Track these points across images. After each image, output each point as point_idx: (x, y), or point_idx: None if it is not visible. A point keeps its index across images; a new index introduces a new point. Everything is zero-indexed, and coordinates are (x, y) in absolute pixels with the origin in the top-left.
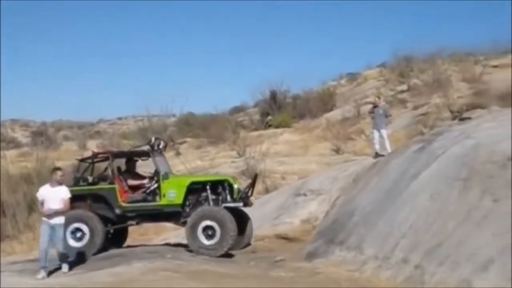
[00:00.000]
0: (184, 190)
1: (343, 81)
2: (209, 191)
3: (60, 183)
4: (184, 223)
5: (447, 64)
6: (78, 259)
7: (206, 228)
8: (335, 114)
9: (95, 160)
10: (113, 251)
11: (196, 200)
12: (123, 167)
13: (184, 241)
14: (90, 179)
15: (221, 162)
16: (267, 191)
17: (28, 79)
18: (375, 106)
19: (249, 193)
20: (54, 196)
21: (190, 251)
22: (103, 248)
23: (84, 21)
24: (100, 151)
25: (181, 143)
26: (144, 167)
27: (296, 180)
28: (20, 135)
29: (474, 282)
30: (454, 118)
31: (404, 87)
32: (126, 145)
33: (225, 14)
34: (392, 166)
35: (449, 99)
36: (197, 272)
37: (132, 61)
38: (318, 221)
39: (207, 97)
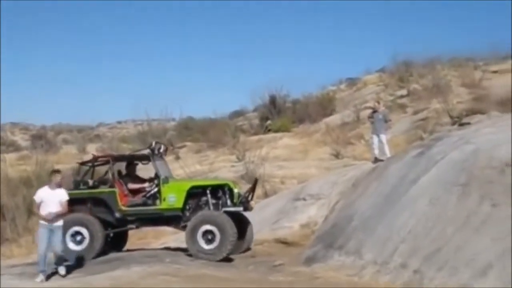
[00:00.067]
0: (184, 194)
1: (342, 86)
2: (209, 196)
3: (59, 186)
4: (184, 227)
5: (446, 69)
6: (77, 262)
7: (206, 233)
8: (334, 119)
9: (96, 163)
10: (112, 255)
11: (196, 204)
12: (124, 171)
13: (183, 245)
14: (90, 182)
15: (221, 166)
16: (266, 195)
17: (28, 83)
18: (375, 111)
19: (249, 198)
20: (53, 198)
21: (190, 255)
22: (103, 252)
23: (84, 25)
24: (101, 154)
25: (180, 147)
26: (143, 170)
27: (296, 185)
28: (20, 139)
29: (473, 287)
30: (453, 124)
31: (404, 92)
32: (126, 149)
33: (225, 18)
34: (391, 171)
35: (448, 104)
36: (196, 276)
37: (131, 65)
38: (317, 225)
39: (207, 101)
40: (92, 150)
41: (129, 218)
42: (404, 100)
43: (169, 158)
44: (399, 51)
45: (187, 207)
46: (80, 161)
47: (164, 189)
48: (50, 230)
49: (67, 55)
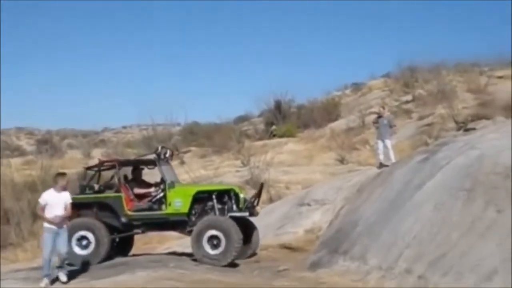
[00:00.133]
0: (190, 199)
1: (347, 91)
2: (215, 200)
3: (65, 189)
4: (190, 232)
5: (452, 74)
6: (82, 267)
7: (211, 238)
8: (339, 124)
9: (102, 168)
10: (117, 260)
11: (202, 209)
12: (130, 176)
13: (188, 250)
14: (96, 187)
15: (225, 171)
16: (271, 200)
17: (33, 87)
18: (380, 116)
19: (255, 203)
20: (58, 201)
21: (195, 260)
22: (109, 257)
23: (89, 30)
24: (106, 159)
25: (185, 152)
26: (149, 175)
27: (300, 190)
28: (25, 143)
29: None
30: (459, 129)
31: (409, 97)
32: (131, 154)
33: (230, 23)
34: (396, 176)
35: (454, 109)
36: (201, 281)
37: (137, 70)
38: (322, 231)
39: (212, 106)
40: (97, 155)
41: (135, 223)
42: (409, 106)
43: (174, 163)
44: (404, 56)
45: (193, 212)
46: (85, 165)
47: (170, 194)
48: (55, 234)
49: (72, 59)
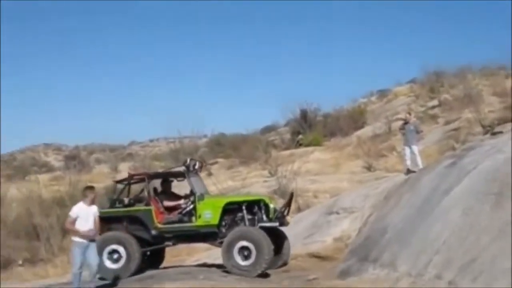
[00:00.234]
0: (220, 210)
1: (373, 98)
2: (245, 211)
3: (93, 202)
4: (220, 244)
5: (477, 78)
6: (112, 281)
7: (242, 249)
8: (366, 131)
9: (131, 181)
10: (147, 273)
11: (232, 220)
12: (159, 188)
13: (217, 262)
14: (126, 200)
15: (253, 182)
16: (299, 209)
17: (61, 103)
18: (406, 122)
19: (285, 213)
20: (88, 214)
21: (227, 271)
22: (140, 270)
23: (115, 45)
24: (136, 172)
25: (212, 164)
26: (178, 187)
27: (328, 198)
28: (53, 159)
29: None
30: (485, 133)
31: (435, 102)
32: (158, 167)
33: (256, 33)
34: (423, 182)
35: (480, 113)
36: None
37: (163, 83)
38: (351, 239)
39: (238, 117)
40: (125, 169)
41: (166, 235)
42: (435, 111)
43: (201, 174)
44: (429, 61)
45: (223, 223)
46: (114, 179)
47: (199, 205)
48: (85, 248)
49: (99, 74)
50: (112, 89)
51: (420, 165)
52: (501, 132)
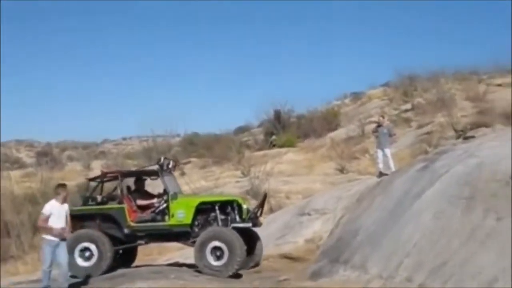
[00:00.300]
0: (193, 210)
1: (347, 101)
2: (218, 211)
3: (65, 200)
4: (193, 243)
5: (450, 83)
6: (83, 279)
7: (214, 249)
8: (339, 134)
9: (104, 179)
10: (118, 271)
11: (205, 220)
12: (132, 187)
13: (189, 261)
14: (99, 198)
15: (226, 182)
16: (271, 210)
17: (33, 100)
18: (379, 125)
19: (258, 213)
20: (60, 212)
21: (199, 271)
22: (111, 268)
23: (88, 42)
24: (109, 170)
25: (185, 163)
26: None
27: (301, 200)
28: (25, 156)
29: None
30: (458, 137)
31: (408, 106)
32: (131, 165)
33: (229, 34)
34: (395, 185)
35: (453, 118)
36: None
37: (137, 81)
38: (322, 240)
39: (212, 117)
40: (97, 166)
41: (138, 234)
42: (408, 114)
43: (174, 174)
44: (403, 65)
45: (196, 223)
46: (86, 177)
47: (173, 205)
48: (55, 246)
49: (72, 71)
50: (85, 86)
51: (393, 168)
52: (473, 137)
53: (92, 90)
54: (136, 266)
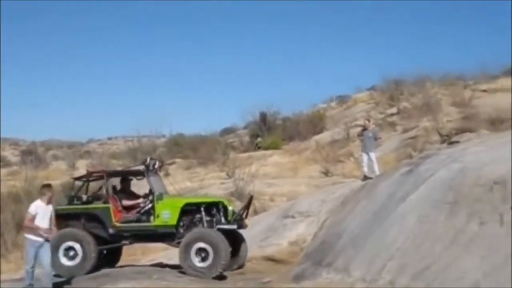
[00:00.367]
0: (178, 211)
1: (333, 104)
2: (203, 213)
3: (50, 201)
4: (178, 244)
5: (436, 87)
6: (66, 278)
7: (199, 250)
8: (324, 137)
9: (90, 179)
10: (101, 271)
11: (190, 221)
12: (118, 187)
13: (172, 262)
14: (84, 198)
15: (210, 183)
16: (255, 212)
17: (18, 98)
18: (365, 129)
19: (244, 215)
20: (46, 213)
21: (183, 272)
22: (95, 267)
23: (76, 42)
24: (95, 170)
25: (170, 164)
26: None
27: (285, 202)
28: (10, 154)
29: None
30: (443, 142)
31: (394, 110)
32: (116, 165)
33: (216, 36)
34: (380, 188)
35: (438, 122)
36: None
37: (123, 82)
38: (306, 243)
39: (197, 118)
40: (82, 166)
41: (123, 234)
42: (394, 118)
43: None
44: (389, 69)
45: (181, 224)
46: (71, 176)
47: (158, 205)
48: (39, 246)
49: (59, 70)
50: (71, 85)
51: (377, 172)
52: (458, 142)
53: (78, 90)
54: (120, 266)
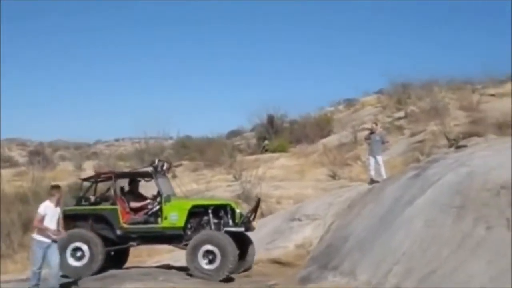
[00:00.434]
0: (186, 213)
1: (340, 107)
2: (211, 215)
3: (59, 202)
4: (185, 246)
5: (444, 91)
6: (73, 278)
7: (207, 253)
8: (332, 140)
9: (98, 180)
10: (108, 272)
11: (197, 223)
12: (126, 188)
13: (178, 264)
14: (92, 199)
15: (217, 186)
16: (262, 215)
17: (26, 99)
18: (372, 132)
19: (251, 218)
20: (54, 214)
21: (190, 274)
22: (102, 268)
23: (82, 43)
24: (103, 171)
25: (177, 166)
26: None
27: (292, 205)
28: (17, 154)
29: None
30: (450, 146)
31: (401, 114)
32: (123, 167)
33: (223, 37)
34: (387, 192)
35: (446, 126)
36: None
37: (130, 83)
38: (312, 246)
39: (205, 120)
40: (89, 167)
41: (131, 235)
42: (401, 122)
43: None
44: (397, 73)
45: (189, 226)
46: (78, 177)
47: (166, 207)
48: (46, 247)
49: (66, 71)
50: (79, 86)
51: (384, 176)
52: (465, 146)
53: (86, 91)
54: (126, 268)
